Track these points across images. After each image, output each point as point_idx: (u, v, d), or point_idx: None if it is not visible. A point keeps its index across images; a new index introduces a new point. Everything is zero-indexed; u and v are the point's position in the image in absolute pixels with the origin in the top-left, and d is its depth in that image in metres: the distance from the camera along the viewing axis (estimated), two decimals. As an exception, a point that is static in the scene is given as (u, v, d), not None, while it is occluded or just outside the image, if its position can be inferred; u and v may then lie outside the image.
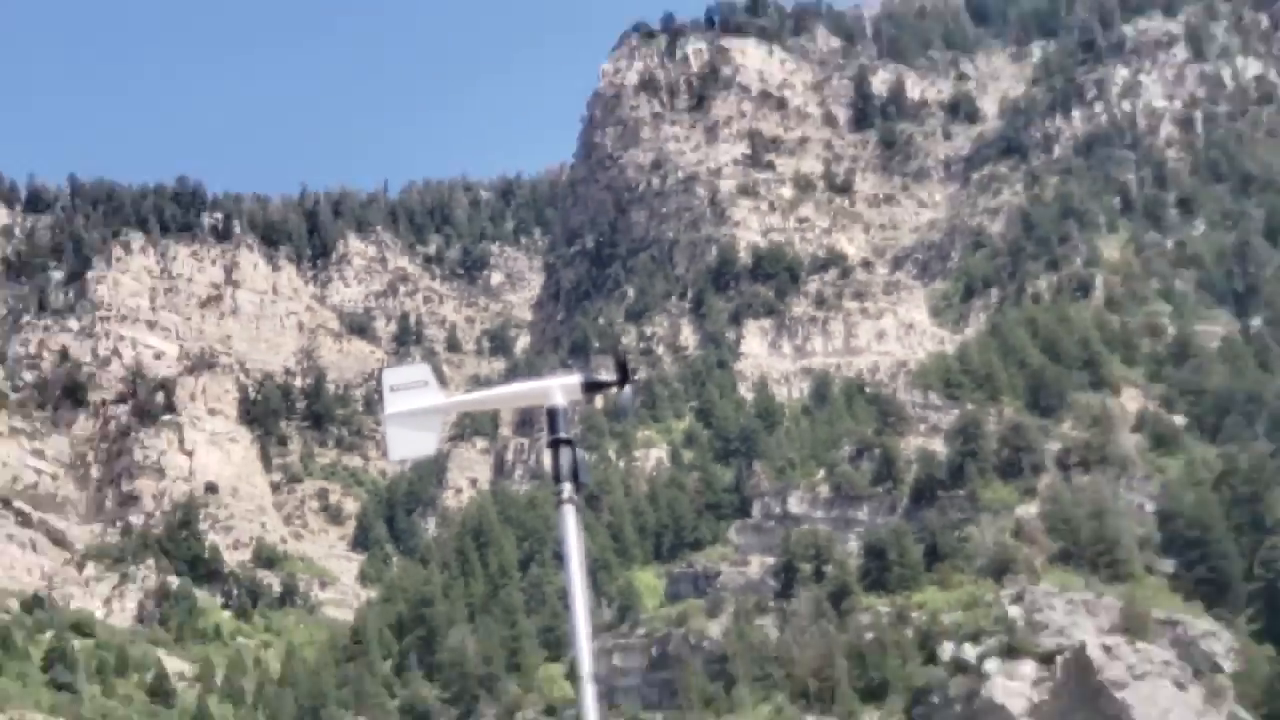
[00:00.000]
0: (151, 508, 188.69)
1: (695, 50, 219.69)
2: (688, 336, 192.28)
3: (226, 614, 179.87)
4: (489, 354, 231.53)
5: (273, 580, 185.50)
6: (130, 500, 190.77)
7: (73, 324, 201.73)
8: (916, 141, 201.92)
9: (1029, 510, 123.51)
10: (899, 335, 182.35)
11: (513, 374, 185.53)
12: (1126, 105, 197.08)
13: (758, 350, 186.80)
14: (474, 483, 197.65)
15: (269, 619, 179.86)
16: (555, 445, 5.51)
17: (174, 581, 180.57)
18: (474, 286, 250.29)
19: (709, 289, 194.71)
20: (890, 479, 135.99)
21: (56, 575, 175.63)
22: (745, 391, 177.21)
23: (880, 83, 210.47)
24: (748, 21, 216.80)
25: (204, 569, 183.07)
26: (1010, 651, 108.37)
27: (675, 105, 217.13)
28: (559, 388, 5.68)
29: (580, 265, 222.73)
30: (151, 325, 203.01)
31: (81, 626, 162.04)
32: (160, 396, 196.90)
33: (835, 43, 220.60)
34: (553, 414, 5.53)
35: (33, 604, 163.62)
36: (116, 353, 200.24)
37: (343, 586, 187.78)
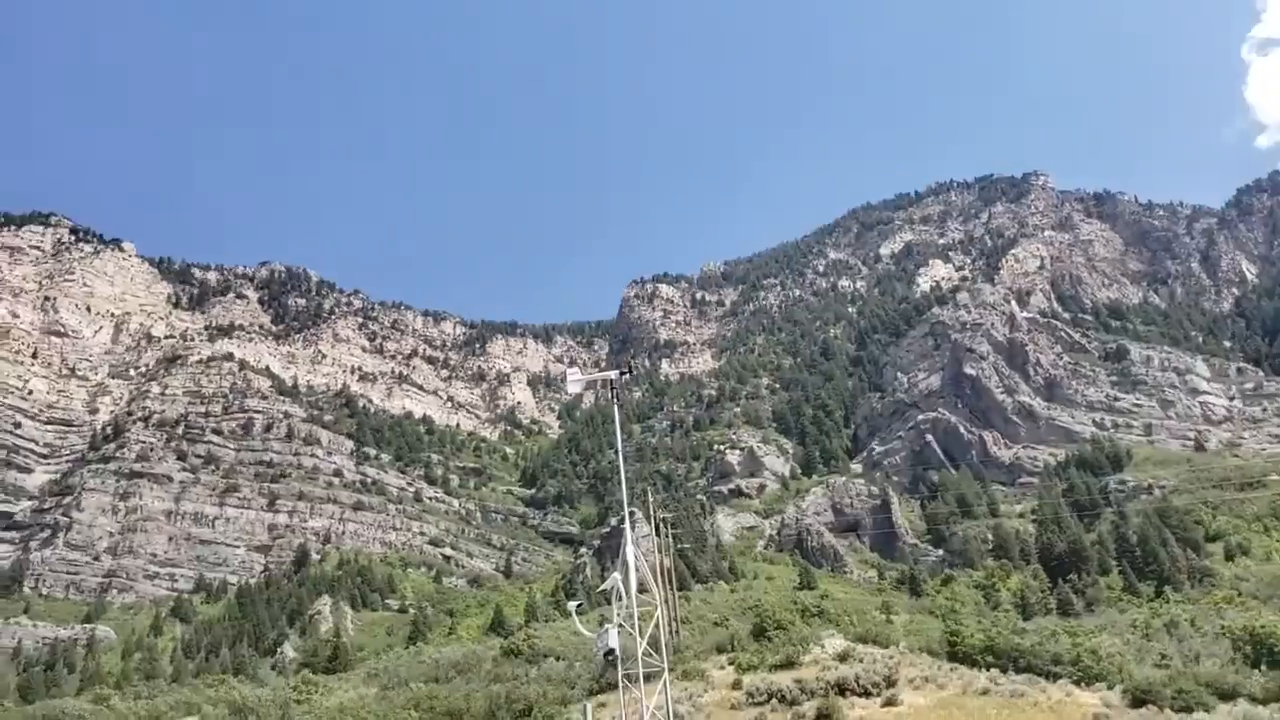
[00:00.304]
0: (501, 409, 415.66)
1: (649, 285, 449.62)
2: (644, 364, 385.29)
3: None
4: (593, 368, 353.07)
5: (534, 428, 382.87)
6: (498, 404, 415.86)
7: (482, 364, 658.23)
8: (708, 311, 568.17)
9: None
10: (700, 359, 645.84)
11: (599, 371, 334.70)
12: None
13: (665, 368, 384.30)
14: (589, 400, 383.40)
15: (534, 438, 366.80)
16: (612, 390, 29.93)
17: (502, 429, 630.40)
18: (590, 349, 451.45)
19: (652, 352, 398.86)
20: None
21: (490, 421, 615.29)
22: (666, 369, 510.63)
23: (702, 293, 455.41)
24: (664, 277, 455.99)
25: (512, 423, 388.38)
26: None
27: (644, 301, 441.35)
28: (614, 372, 29.04)
29: (617, 343, 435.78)
30: (504, 359, 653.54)
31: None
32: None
33: (685, 285, 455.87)
34: (612, 382, 28.96)
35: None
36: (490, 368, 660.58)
37: (555, 431, 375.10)
